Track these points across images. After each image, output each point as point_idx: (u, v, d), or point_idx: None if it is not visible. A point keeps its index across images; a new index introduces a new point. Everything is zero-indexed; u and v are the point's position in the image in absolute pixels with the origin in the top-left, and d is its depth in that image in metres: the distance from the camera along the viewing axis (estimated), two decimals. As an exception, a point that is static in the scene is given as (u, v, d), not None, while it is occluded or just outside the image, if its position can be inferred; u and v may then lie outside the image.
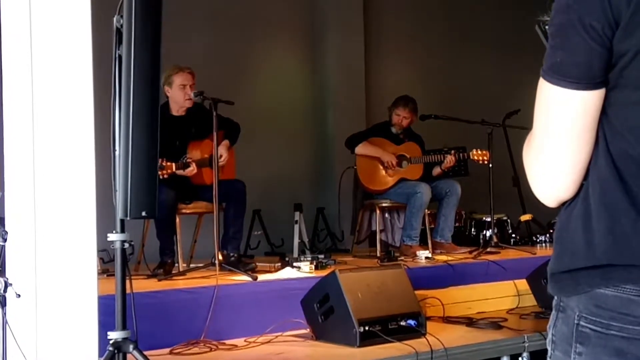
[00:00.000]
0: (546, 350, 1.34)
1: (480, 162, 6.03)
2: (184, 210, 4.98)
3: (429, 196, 5.86)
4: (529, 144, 1.29)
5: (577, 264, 1.24)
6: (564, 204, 1.29)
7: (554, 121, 1.22)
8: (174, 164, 4.72)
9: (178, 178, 4.82)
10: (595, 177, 1.24)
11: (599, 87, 1.20)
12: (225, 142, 5.07)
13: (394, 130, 6.20)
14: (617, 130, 1.22)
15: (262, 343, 3.88)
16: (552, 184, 1.26)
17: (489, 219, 6.37)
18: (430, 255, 5.52)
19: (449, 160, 6.00)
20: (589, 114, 1.21)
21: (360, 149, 6.06)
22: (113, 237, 2.94)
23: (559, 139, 1.23)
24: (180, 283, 4.31)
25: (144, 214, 2.91)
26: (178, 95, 5.02)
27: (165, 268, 4.73)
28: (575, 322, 1.25)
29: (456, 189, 6.03)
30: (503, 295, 5.05)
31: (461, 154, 6.06)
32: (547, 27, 1.25)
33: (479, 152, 6.01)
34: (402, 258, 5.55)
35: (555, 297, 1.31)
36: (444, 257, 5.49)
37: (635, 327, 1.19)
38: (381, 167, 6.05)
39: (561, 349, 1.28)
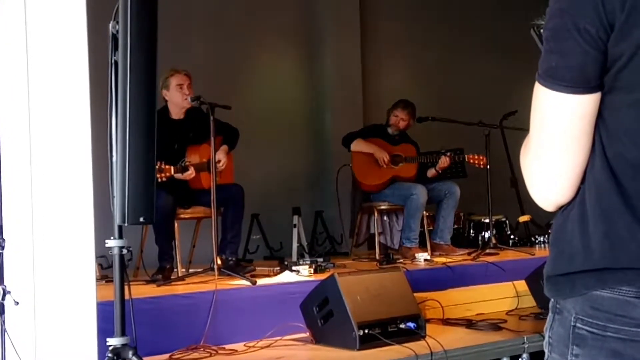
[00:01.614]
0: (546, 351, 1.34)
1: (476, 165, 6.04)
2: (182, 215, 4.98)
3: (425, 197, 5.86)
4: (525, 148, 1.28)
5: (574, 267, 1.24)
6: (561, 207, 1.29)
7: (550, 125, 1.22)
8: (172, 168, 4.72)
9: (176, 183, 4.82)
10: (591, 180, 1.24)
11: (595, 91, 1.20)
12: (224, 147, 5.07)
13: (390, 130, 6.23)
14: (613, 134, 1.22)
15: (262, 347, 3.88)
16: (549, 188, 1.26)
17: (487, 221, 6.37)
18: (429, 257, 5.52)
19: (443, 161, 6.01)
20: (585, 118, 1.21)
21: (356, 145, 6.10)
22: (111, 243, 2.94)
23: (555, 143, 1.22)
24: (179, 288, 4.30)
25: (141, 219, 2.91)
26: (176, 96, 5.02)
27: (164, 273, 4.73)
28: (572, 324, 1.25)
29: (455, 190, 6.04)
30: (502, 297, 5.05)
31: (457, 157, 6.08)
32: (542, 31, 1.25)
33: (475, 156, 6.02)
34: (401, 260, 5.55)
35: (552, 300, 1.31)
36: (442, 259, 5.49)
37: (631, 328, 1.19)
38: (375, 163, 6.07)
39: (558, 351, 1.28)
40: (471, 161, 6.04)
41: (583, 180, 1.25)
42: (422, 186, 5.91)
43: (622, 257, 1.19)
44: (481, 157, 6.02)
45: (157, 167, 4.05)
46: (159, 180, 4.41)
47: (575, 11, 1.17)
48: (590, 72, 1.19)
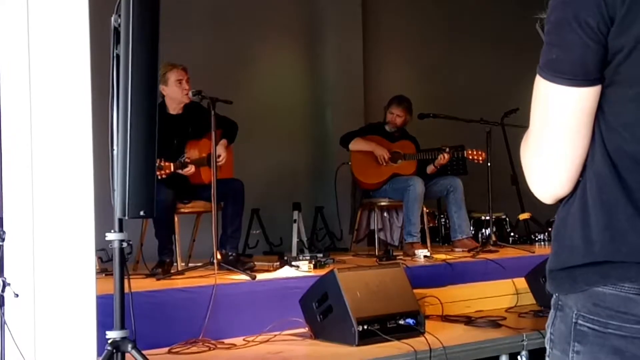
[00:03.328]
0: (545, 348, 1.34)
1: (475, 161, 6.03)
2: (182, 210, 4.98)
3: (422, 188, 5.85)
4: (526, 141, 1.29)
5: (575, 260, 1.24)
6: (561, 201, 1.29)
7: (550, 118, 1.23)
8: (172, 164, 4.71)
9: (176, 177, 4.82)
10: (592, 173, 1.24)
11: (595, 84, 1.21)
12: (223, 142, 5.06)
13: (387, 128, 6.23)
14: (613, 127, 1.22)
15: (261, 342, 3.88)
16: (548, 181, 1.26)
17: (487, 218, 6.37)
18: (428, 254, 5.52)
19: (442, 157, 6.00)
20: (585, 111, 1.22)
21: (354, 145, 6.11)
22: (111, 236, 2.93)
23: (555, 136, 1.23)
24: (178, 282, 4.31)
25: (142, 213, 2.91)
26: (175, 92, 5.01)
27: (163, 267, 4.73)
28: (573, 320, 1.25)
29: (458, 184, 6.04)
30: (502, 294, 5.05)
31: (456, 153, 6.06)
32: None
33: (474, 151, 6.02)
34: (401, 257, 5.55)
35: (554, 296, 1.31)
36: (442, 256, 5.49)
37: (633, 325, 1.19)
38: (374, 161, 6.07)
39: (559, 348, 1.28)
40: (470, 157, 6.03)
41: (582, 174, 1.25)
42: (418, 178, 5.91)
43: (623, 249, 1.19)
44: (480, 152, 6.02)
45: (157, 164, 4.04)
46: (159, 177, 4.41)
47: (577, 4, 1.18)
48: (590, 65, 1.19)
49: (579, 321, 1.24)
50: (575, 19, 1.18)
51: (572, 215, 1.26)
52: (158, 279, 4.41)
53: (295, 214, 6.44)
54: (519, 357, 4.04)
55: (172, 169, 4.70)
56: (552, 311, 1.32)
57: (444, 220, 6.97)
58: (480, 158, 6.01)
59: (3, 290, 2.77)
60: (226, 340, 3.87)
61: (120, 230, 2.94)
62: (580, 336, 1.24)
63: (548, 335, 1.32)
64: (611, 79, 1.21)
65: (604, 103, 1.22)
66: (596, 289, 1.22)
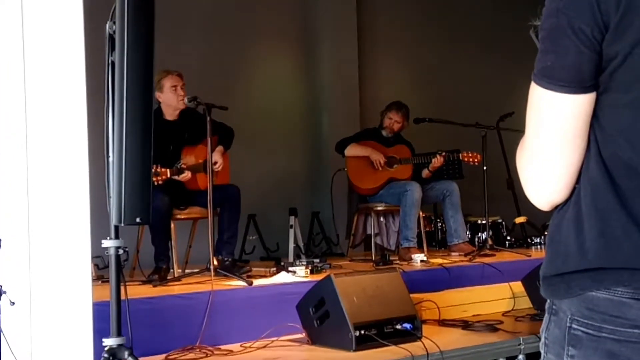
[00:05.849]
0: (542, 352, 1.34)
1: (471, 163, 6.05)
2: (178, 216, 4.98)
3: (419, 193, 5.85)
4: (521, 147, 1.29)
5: (569, 267, 1.24)
6: (557, 207, 1.30)
7: (545, 125, 1.23)
8: (168, 170, 4.71)
9: (172, 183, 4.82)
10: (586, 180, 1.24)
11: (589, 91, 1.21)
12: (220, 148, 5.06)
13: (384, 133, 6.24)
14: (608, 134, 1.22)
15: (258, 348, 3.87)
16: (544, 188, 1.27)
17: (483, 222, 6.38)
18: (425, 258, 5.52)
19: (436, 161, 6.01)
20: (580, 118, 1.22)
21: (350, 150, 6.11)
22: (107, 243, 2.93)
23: (550, 143, 1.23)
24: (175, 289, 4.30)
25: (138, 220, 2.91)
26: (170, 98, 5.01)
27: (160, 274, 4.73)
28: (568, 325, 1.26)
29: (454, 188, 6.05)
30: (498, 298, 5.05)
31: (451, 155, 6.08)
32: None
33: (469, 154, 6.03)
34: (398, 261, 5.55)
35: (548, 300, 1.31)
36: (439, 260, 5.49)
37: (626, 329, 1.19)
38: (370, 167, 6.08)
39: (554, 352, 1.28)
40: (466, 159, 6.05)
41: (578, 180, 1.26)
42: (416, 183, 5.92)
43: (616, 256, 1.20)
44: (475, 155, 6.03)
45: (153, 170, 4.04)
46: (155, 183, 4.42)
47: (571, 11, 1.18)
48: (585, 71, 1.20)
49: (573, 325, 1.25)
50: (569, 26, 1.18)
51: (567, 222, 1.26)
52: (154, 286, 4.40)
53: (292, 220, 6.44)
54: (516, 360, 4.05)
55: (168, 175, 4.70)
56: (546, 315, 1.32)
57: (440, 224, 6.98)
58: (476, 160, 6.03)
59: (-1, 298, 2.76)
60: (223, 347, 3.86)
61: (117, 237, 2.94)
62: (575, 340, 1.24)
63: (542, 339, 1.32)
64: (606, 85, 1.21)
65: (599, 110, 1.23)
66: (590, 294, 1.22)
